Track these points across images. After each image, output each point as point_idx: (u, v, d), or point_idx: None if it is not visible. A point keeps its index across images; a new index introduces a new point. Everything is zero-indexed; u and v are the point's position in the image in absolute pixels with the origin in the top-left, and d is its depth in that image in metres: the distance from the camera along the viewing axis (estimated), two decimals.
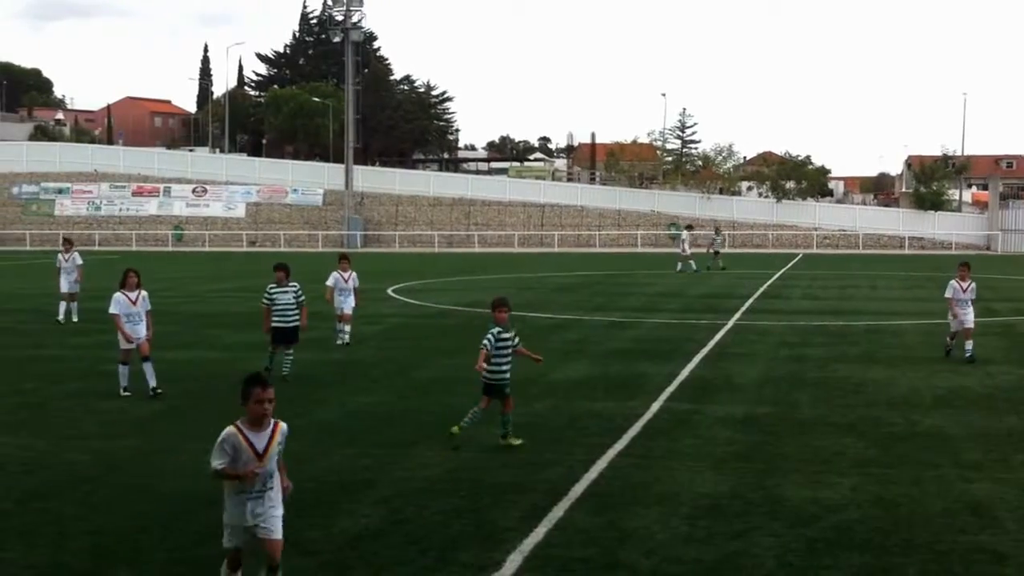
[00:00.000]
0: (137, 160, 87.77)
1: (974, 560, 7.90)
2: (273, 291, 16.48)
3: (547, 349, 19.97)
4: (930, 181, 76.48)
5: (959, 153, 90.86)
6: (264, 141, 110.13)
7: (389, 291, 34.47)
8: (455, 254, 67.79)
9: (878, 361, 18.02)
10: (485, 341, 11.39)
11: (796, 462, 10.93)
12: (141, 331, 14.83)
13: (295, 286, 16.66)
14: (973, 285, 18.08)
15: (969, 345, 17.68)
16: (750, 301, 29.98)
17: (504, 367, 11.54)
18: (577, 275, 43.47)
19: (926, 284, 36.42)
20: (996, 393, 14.90)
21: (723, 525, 8.79)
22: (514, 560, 7.92)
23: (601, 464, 10.83)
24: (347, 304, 20.56)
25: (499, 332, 11.46)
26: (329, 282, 20.53)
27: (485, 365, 11.39)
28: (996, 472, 10.44)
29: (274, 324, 16.41)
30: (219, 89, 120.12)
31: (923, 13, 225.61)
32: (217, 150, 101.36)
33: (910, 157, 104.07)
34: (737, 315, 25.89)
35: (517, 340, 11.77)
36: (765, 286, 36.03)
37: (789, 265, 46.38)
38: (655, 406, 13.98)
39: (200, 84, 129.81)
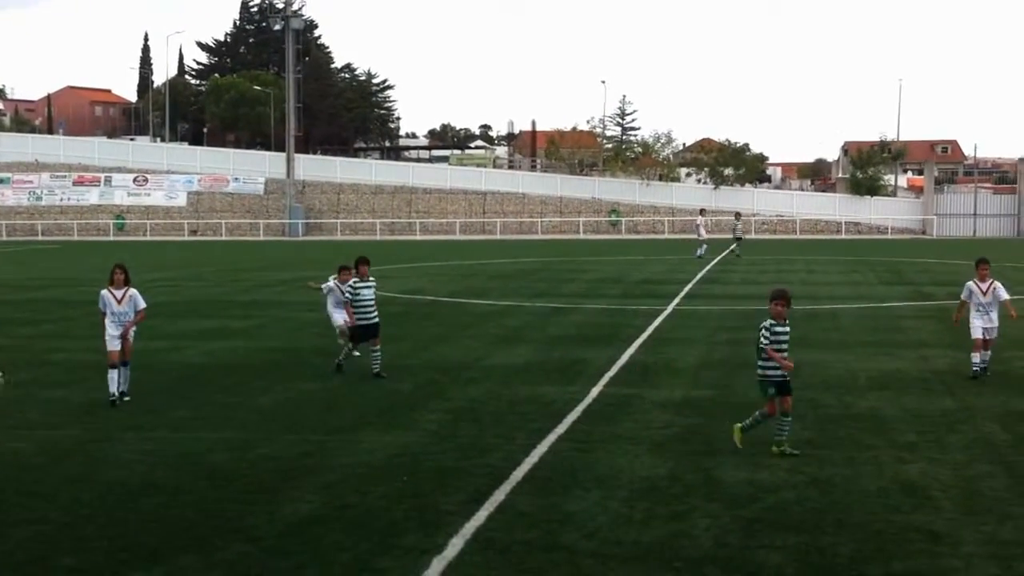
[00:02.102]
0: (78, 149, 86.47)
1: (908, 539, 8.05)
2: (357, 285, 15.62)
3: (488, 335, 20.07)
4: (866, 167, 77.65)
5: (895, 139, 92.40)
6: (205, 130, 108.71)
7: (331, 279, 34.16)
8: (397, 242, 67.55)
9: (814, 344, 18.26)
10: (762, 337, 10.54)
11: (733, 444, 11.05)
12: (116, 332, 13.41)
13: (375, 281, 15.93)
14: (996, 285, 14.75)
15: (977, 358, 14.66)
16: (689, 286, 30.27)
17: (771, 364, 10.54)
18: (519, 262, 43.56)
19: (861, 268, 37.05)
20: (931, 376, 15.19)
21: (662, 507, 8.89)
22: (456, 544, 7.94)
23: (542, 448, 10.88)
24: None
25: (772, 325, 10.61)
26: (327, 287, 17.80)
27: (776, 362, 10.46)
28: (930, 453, 10.65)
29: (356, 320, 15.54)
30: (160, 78, 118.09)
31: (859, 0, 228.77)
32: (158, 139, 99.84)
33: (846, 143, 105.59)
34: (676, 300, 26.13)
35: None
36: (704, 271, 36.39)
37: (728, 251, 46.83)
38: (595, 391, 14.08)
39: (140, 73, 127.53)
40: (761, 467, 10.12)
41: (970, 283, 14.79)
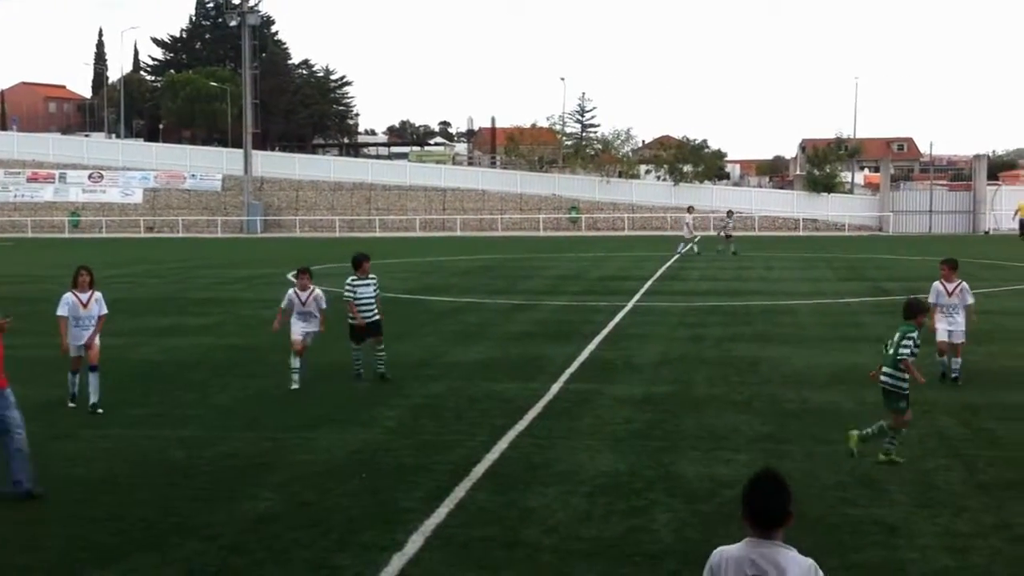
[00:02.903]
0: (31, 146, 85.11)
1: (865, 532, 8.13)
2: (356, 283, 14.83)
3: (448, 332, 20.03)
4: (823, 164, 78.24)
5: (851, 136, 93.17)
6: (161, 126, 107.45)
7: (290, 276, 33.99)
8: (356, 239, 67.19)
9: (773, 340, 18.41)
10: (904, 350, 10.00)
11: (693, 439, 11.12)
12: (83, 338, 12.80)
13: (375, 278, 15.15)
14: (963, 286, 14.42)
15: (957, 364, 14.14)
16: (649, 283, 30.38)
17: (905, 376, 10.09)
18: (479, 259, 43.51)
19: (819, 265, 37.39)
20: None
21: (622, 502, 8.91)
22: (416, 540, 7.92)
23: (502, 444, 10.87)
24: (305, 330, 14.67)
25: (912, 334, 10.10)
26: (283, 303, 14.84)
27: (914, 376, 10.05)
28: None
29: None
30: (114, 74, 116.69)
31: None
32: (113, 135, 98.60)
33: (804, 140, 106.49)
34: (636, 297, 26.21)
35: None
36: (663, 268, 36.54)
37: (687, 247, 47.01)
38: (555, 387, 14.09)
39: (95, 69, 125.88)
40: (720, 462, 10.18)
41: (936, 284, 14.37)
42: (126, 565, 7.51)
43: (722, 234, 46.55)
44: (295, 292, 14.60)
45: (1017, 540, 7.93)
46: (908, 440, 11.03)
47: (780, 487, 4.35)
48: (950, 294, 14.21)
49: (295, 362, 14.37)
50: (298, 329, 14.51)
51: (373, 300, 14.99)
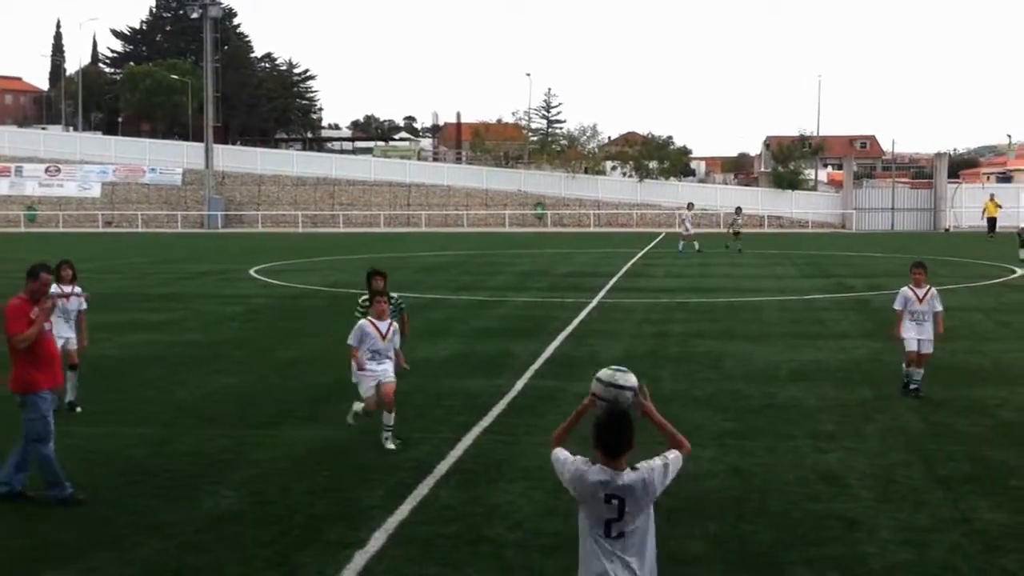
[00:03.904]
0: None
1: (826, 526, 8.18)
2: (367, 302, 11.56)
3: (412, 329, 19.85)
4: (787, 161, 78.85)
5: (815, 134, 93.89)
6: (120, 119, 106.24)
7: (251, 272, 33.79)
8: (320, 234, 66.88)
9: (737, 336, 18.50)
10: None
11: (657, 435, 11.10)
12: (67, 332, 12.50)
13: (395, 296, 12.29)
14: (933, 292, 13.28)
15: (918, 375, 13.11)
16: (614, 279, 30.44)
17: None
18: (444, 255, 43.42)
19: (783, 262, 37.65)
20: (850, 366, 15.45)
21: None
22: (378, 538, 7.87)
23: (467, 441, 10.84)
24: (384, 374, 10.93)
25: None
26: (351, 339, 10.88)
27: None
28: (848, 442, 10.84)
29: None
30: (72, 66, 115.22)
31: None
32: (71, 128, 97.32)
33: (768, 138, 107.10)
34: (602, 293, 26.25)
35: None
36: (629, 264, 36.63)
37: (652, 244, 47.24)
38: (520, 383, 14.07)
39: (52, 61, 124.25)
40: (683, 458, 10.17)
41: (904, 289, 13.28)
42: (85, 564, 7.41)
43: (731, 231, 45.87)
44: (368, 322, 10.84)
45: (975, 534, 8.01)
46: (869, 435, 11.13)
47: (625, 425, 5.16)
48: (921, 300, 13.14)
49: (357, 406, 11.08)
50: (369, 378, 10.70)
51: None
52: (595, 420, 5.20)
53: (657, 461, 5.30)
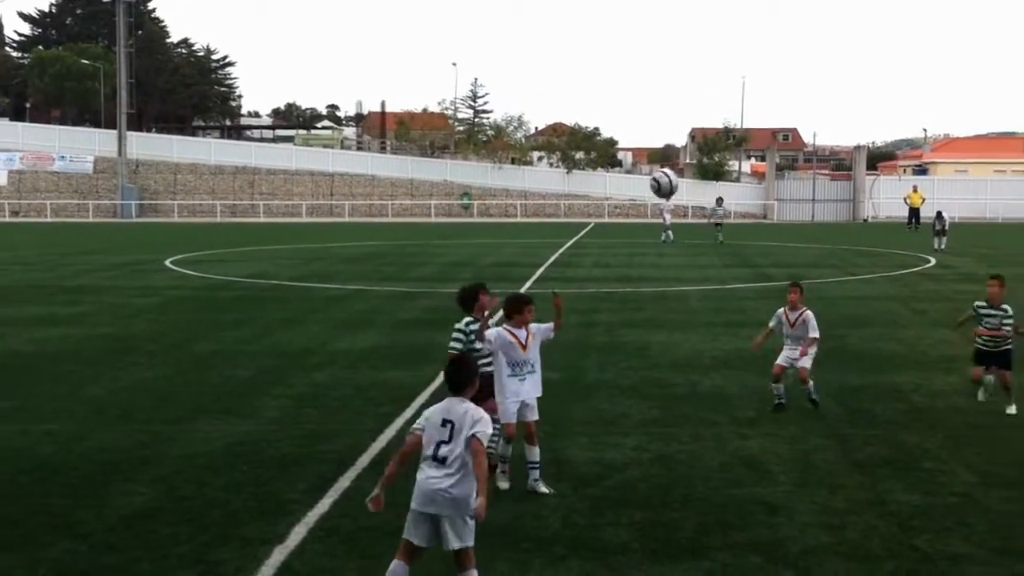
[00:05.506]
0: None
1: (748, 511, 8.23)
2: (472, 328, 9.26)
3: (334, 320, 19.70)
4: (712, 153, 79.83)
5: (739, 126, 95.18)
6: (28, 105, 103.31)
7: (167, 262, 33.11)
8: (239, 224, 65.89)
9: (662, 325, 18.60)
10: None
11: (582, 424, 11.12)
12: None
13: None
14: (807, 317, 11.77)
15: (810, 386, 11.76)
16: (541, 269, 30.46)
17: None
18: (368, 245, 43.06)
19: (708, 252, 38.05)
20: (771, 354, 15.46)
21: (510, 487, 8.83)
22: (299, 532, 7.71)
23: (389, 433, 10.70)
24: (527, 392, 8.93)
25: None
26: (491, 338, 8.92)
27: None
28: (769, 428, 10.95)
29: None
30: None
31: None
32: None
33: (694, 129, 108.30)
34: (528, 283, 26.22)
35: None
36: (556, 255, 36.71)
37: (580, 234, 47.39)
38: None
39: None
40: (609, 446, 10.19)
41: (779, 311, 12.00)
42: None
43: (712, 221, 45.84)
44: (505, 329, 8.99)
45: (890, 515, 8.13)
46: (789, 421, 11.24)
47: (466, 366, 6.39)
48: (793, 325, 11.79)
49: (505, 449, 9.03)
50: (511, 398, 8.78)
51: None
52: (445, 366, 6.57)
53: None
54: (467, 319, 9.32)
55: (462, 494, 6.04)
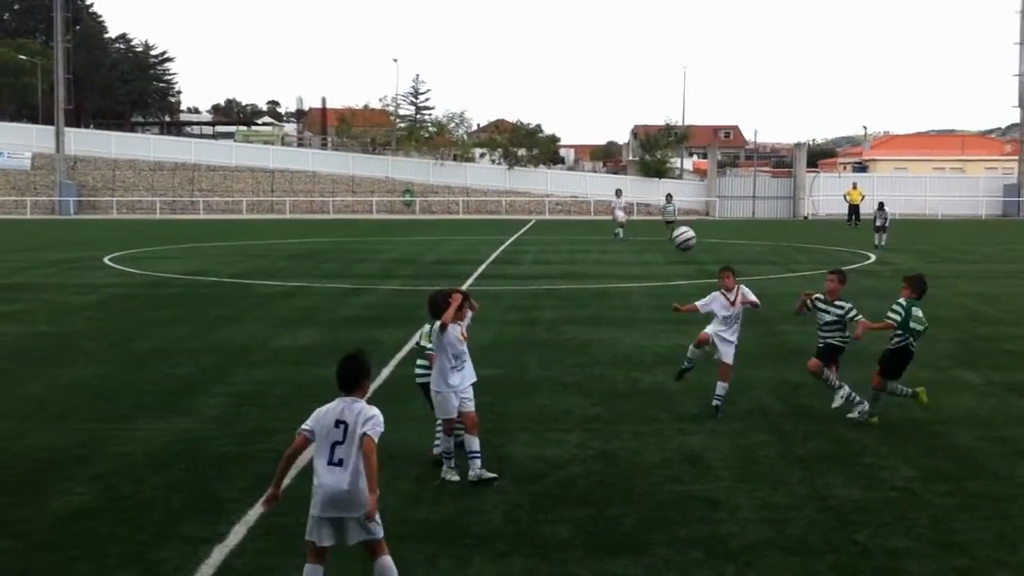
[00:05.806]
0: None
1: (690, 507, 8.31)
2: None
3: (275, 317, 19.53)
4: (654, 150, 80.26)
5: (681, 123, 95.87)
6: None
7: (106, 259, 32.59)
8: (179, 221, 65.03)
9: (604, 322, 18.69)
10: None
11: (523, 421, 11.16)
12: None
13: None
14: (742, 288, 11.66)
15: (723, 389, 11.50)
16: (482, 267, 30.45)
17: None
18: (309, 242, 42.73)
19: (651, 249, 38.29)
20: (713, 350, 15.72)
21: (452, 485, 8.85)
22: (239, 531, 7.66)
23: None
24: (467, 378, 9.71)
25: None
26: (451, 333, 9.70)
27: None
28: (710, 424, 11.05)
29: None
30: None
31: None
32: None
33: (636, 126, 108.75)
34: (470, 280, 26.21)
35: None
36: (497, 252, 36.71)
37: (522, 231, 47.43)
38: (386, 372, 13.92)
39: None
40: (551, 443, 10.23)
41: (715, 294, 11.64)
42: None
43: (664, 219, 45.62)
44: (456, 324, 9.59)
45: (830, 510, 8.26)
46: (730, 417, 11.36)
47: (358, 365, 6.39)
48: (733, 303, 11.52)
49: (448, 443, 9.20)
50: (451, 390, 9.27)
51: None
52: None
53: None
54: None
55: (363, 494, 6.02)
